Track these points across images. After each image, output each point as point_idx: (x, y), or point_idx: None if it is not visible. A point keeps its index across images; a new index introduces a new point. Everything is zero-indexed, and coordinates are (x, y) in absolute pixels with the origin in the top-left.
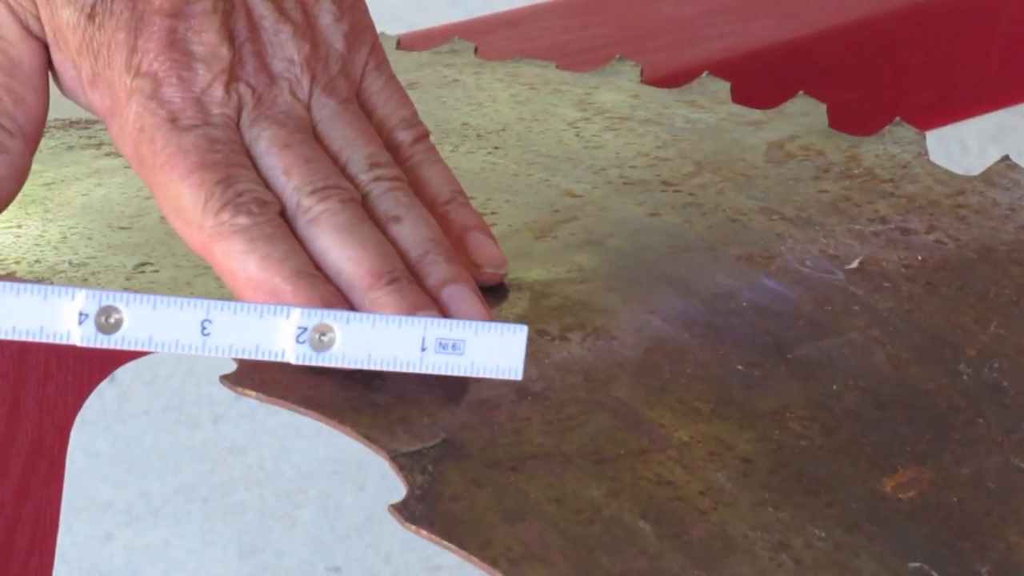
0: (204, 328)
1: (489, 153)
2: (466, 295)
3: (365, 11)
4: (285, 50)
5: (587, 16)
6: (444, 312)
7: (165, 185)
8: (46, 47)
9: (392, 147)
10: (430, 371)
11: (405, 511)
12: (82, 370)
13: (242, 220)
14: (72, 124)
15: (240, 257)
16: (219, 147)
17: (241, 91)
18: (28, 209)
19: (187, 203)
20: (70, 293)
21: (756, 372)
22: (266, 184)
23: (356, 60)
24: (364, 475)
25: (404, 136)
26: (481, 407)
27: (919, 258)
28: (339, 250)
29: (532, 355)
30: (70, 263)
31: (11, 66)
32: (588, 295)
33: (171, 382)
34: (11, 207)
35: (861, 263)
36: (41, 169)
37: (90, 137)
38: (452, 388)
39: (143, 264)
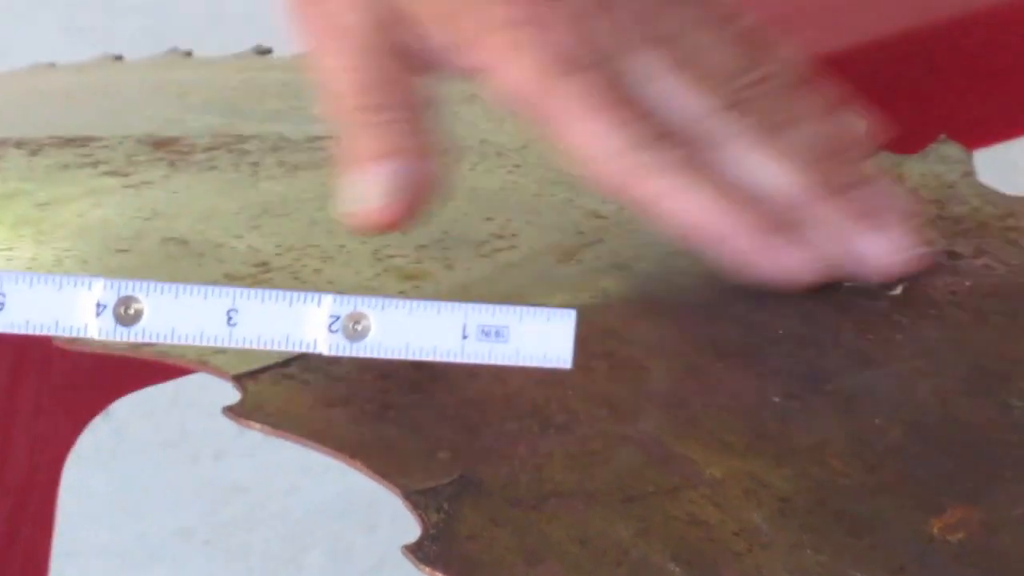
0: (230, 318)
1: (509, 172)
2: (889, 191)
3: None
4: None
5: None
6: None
7: (568, 131)
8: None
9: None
10: (472, 360)
11: (419, 552)
12: (76, 403)
13: (666, 154)
14: (68, 142)
15: (678, 192)
16: (614, 82)
17: (618, 17)
18: (20, 231)
19: (602, 145)
20: (87, 283)
21: (793, 404)
22: (666, 112)
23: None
24: (376, 515)
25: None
26: (500, 440)
27: (967, 284)
28: (764, 168)
29: (555, 385)
30: None
31: None
32: (615, 322)
33: (170, 416)
34: (1, 229)
35: (905, 289)
36: (34, 189)
37: (87, 155)
38: (470, 420)
39: None
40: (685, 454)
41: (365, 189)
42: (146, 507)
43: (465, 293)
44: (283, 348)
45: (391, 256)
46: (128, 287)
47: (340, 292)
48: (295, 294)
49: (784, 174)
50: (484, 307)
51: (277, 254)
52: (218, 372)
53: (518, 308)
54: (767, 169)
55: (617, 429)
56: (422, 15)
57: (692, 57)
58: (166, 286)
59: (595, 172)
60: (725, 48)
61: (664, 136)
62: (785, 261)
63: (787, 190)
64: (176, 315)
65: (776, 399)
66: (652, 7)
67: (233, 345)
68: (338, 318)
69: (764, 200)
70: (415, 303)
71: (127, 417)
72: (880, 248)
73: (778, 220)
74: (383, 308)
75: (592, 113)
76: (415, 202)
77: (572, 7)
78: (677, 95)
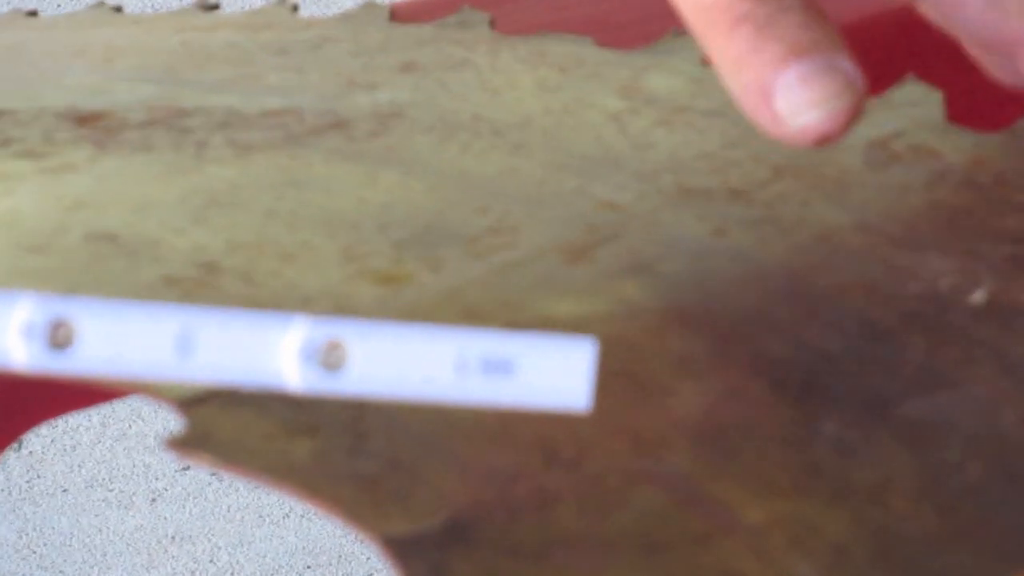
0: (182, 345)
1: (508, 154)
2: None
3: None
4: None
5: None
6: None
7: None
8: None
9: None
10: (470, 399)
11: None
12: None
13: None
14: None
15: None
16: None
17: None
18: None
19: None
20: (10, 299)
21: (851, 435)
22: None
23: None
24: (347, 570)
25: None
26: (497, 478)
27: None
28: None
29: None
30: None
31: None
32: (635, 335)
33: (96, 450)
34: None
35: (988, 296)
36: None
37: None
38: (460, 453)
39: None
40: (720, 495)
41: (793, 97)
42: (67, 560)
43: (454, 300)
44: (245, 382)
45: (365, 255)
46: (61, 305)
47: (304, 297)
48: (260, 318)
49: None
50: (486, 334)
51: (227, 253)
52: (158, 396)
53: (527, 336)
54: None
55: (638, 464)
56: None
57: None
58: (108, 304)
59: None
60: None
61: None
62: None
63: None
64: (119, 340)
65: (830, 428)
66: None
67: (185, 377)
68: (312, 346)
69: None
70: (403, 328)
71: (44, 452)
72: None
73: None
74: (364, 336)
75: None
76: (856, 104)
77: None
78: None
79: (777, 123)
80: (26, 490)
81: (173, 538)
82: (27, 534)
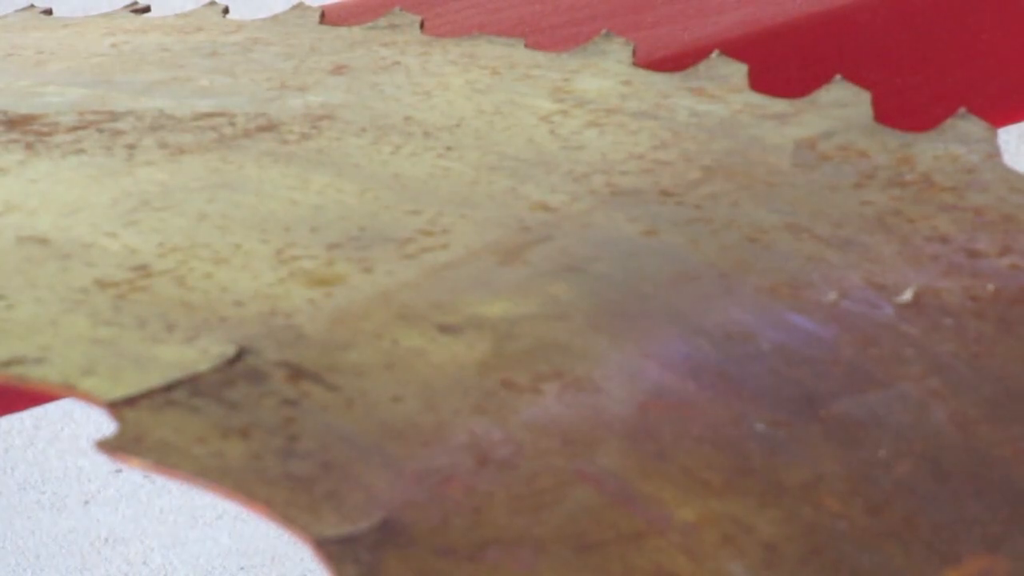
0: None
1: (440, 156)
2: None
3: None
4: None
5: None
6: None
7: None
8: None
9: None
10: None
11: None
12: None
13: None
14: None
15: None
16: None
17: None
18: None
19: None
20: None
21: (781, 433)
22: None
23: None
24: (281, 570)
25: None
26: (430, 478)
27: (990, 288)
28: None
29: (496, 412)
30: None
31: None
32: (567, 336)
33: (28, 453)
34: None
35: (915, 294)
36: None
37: None
38: (394, 454)
39: None
40: (652, 494)
41: None
42: None
43: (387, 302)
44: None
45: (297, 257)
46: None
47: (237, 300)
48: None
49: None
50: None
51: (159, 255)
52: (89, 398)
53: None
54: None
55: (570, 464)
56: None
57: None
58: None
59: None
60: None
61: None
62: None
63: None
64: None
65: (760, 427)
66: None
67: None
68: None
69: None
70: None
71: None
72: None
73: None
74: None
75: None
76: None
77: None
78: None
79: None
80: None
81: (106, 540)
82: None
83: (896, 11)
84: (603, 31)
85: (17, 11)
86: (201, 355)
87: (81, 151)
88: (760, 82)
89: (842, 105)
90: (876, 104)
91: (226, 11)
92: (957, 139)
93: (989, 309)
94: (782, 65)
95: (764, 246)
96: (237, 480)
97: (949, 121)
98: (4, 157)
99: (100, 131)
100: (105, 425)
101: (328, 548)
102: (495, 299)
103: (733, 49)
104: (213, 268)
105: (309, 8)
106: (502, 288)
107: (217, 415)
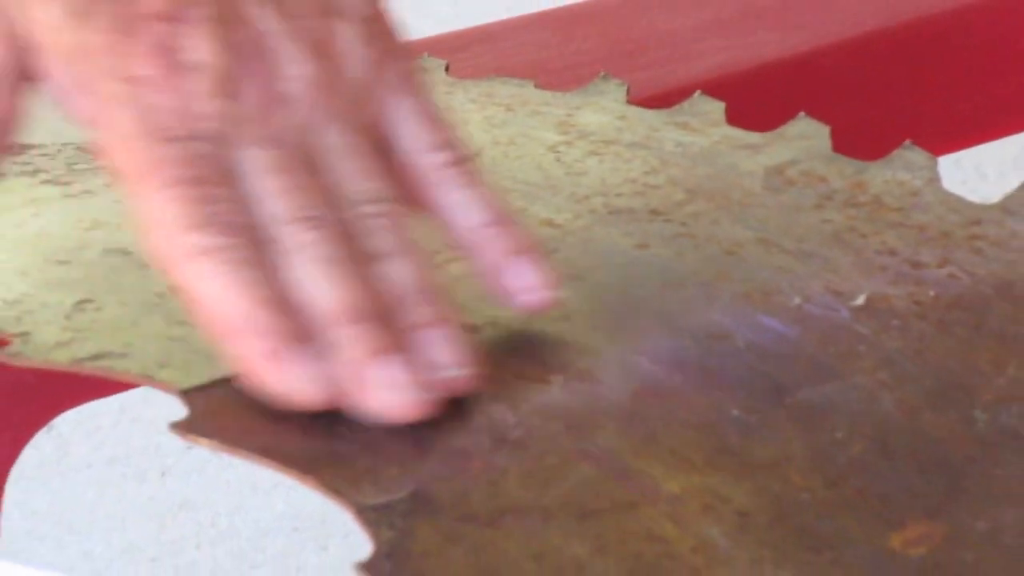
0: None
1: None
2: (443, 339)
3: (397, 34)
4: (290, 69)
5: (569, 30)
6: (416, 358)
7: (141, 198)
8: (24, 51)
9: (418, 175)
10: None
11: (372, 570)
12: (18, 418)
13: (213, 241)
14: None
15: (206, 279)
16: (201, 163)
17: (234, 106)
18: None
19: (159, 218)
20: None
21: (753, 419)
22: (246, 207)
23: (379, 86)
24: (327, 532)
25: (431, 159)
26: (454, 457)
27: (931, 294)
28: (313, 283)
29: (510, 399)
30: (3, 301)
31: None
32: (570, 334)
33: (115, 432)
34: None
35: (867, 299)
36: None
37: (25, 163)
38: (422, 437)
39: (84, 302)
40: (643, 469)
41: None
42: (92, 525)
43: None
44: None
45: None
46: None
47: None
48: None
49: (330, 293)
50: None
51: None
52: (164, 387)
53: None
54: (317, 285)
55: (573, 444)
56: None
57: (306, 168)
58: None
59: (148, 242)
60: (350, 173)
61: (231, 227)
62: (287, 373)
63: (326, 307)
64: None
65: (736, 413)
66: (294, 106)
67: None
68: None
69: (301, 313)
70: None
71: (71, 433)
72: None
73: (303, 334)
74: None
75: (166, 182)
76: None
77: (212, 76)
78: (269, 196)
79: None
80: (56, 466)
81: (181, 506)
82: (57, 504)
83: (852, 57)
84: (601, 74)
85: None
86: None
87: None
88: (736, 117)
89: (805, 137)
90: (834, 136)
91: None
92: (903, 167)
93: (930, 312)
94: (754, 103)
95: (739, 258)
96: (290, 458)
97: (896, 151)
98: (92, 181)
99: None
100: (178, 409)
101: (367, 514)
102: (507, 303)
103: (713, 89)
104: None
105: None
106: None
107: (272, 402)
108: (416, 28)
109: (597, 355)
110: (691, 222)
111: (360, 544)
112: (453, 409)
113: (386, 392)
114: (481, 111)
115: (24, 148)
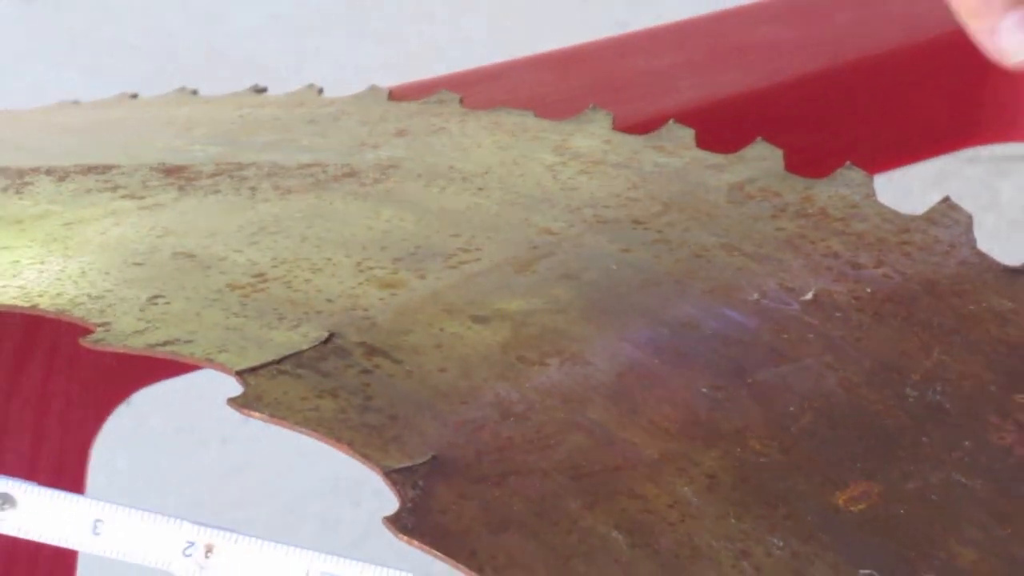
0: (96, 528)
1: (473, 194)
2: None
3: None
4: None
5: (563, 70)
6: None
7: None
8: None
9: None
10: None
11: (398, 523)
12: (102, 394)
13: None
14: (90, 169)
15: None
16: None
17: None
18: (50, 247)
19: None
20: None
21: (720, 395)
22: None
23: None
24: (360, 491)
25: None
26: (467, 427)
27: (868, 290)
28: None
29: (514, 379)
30: (89, 296)
31: None
32: (565, 324)
33: (183, 406)
34: (34, 245)
35: (815, 295)
36: (62, 210)
37: (106, 181)
38: (441, 410)
39: (156, 296)
40: (627, 438)
41: (1011, 37)
42: (162, 484)
43: (436, 300)
44: (142, 563)
45: (372, 268)
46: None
47: (327, 298)
48: (159, 516)
49: None
50: (329, 557)
51: (273, 266)
52: (223, 368)
53: (360, 564)
54: None
55: (568, 417)
56: None
57: None
58: (40, 490)
59: None
60: None
61: None
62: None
63: None
64: (44, 520)
65: (705, 390)
66: None
67: (95, 552)
68: (192, 544)
69: None
70: (266, 543)
71: (147, 407)
72: None
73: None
74: (236, 541)
75: None
76: None
77: None
78: None
79: (1002, 56)
80: (133, 434)
81: (239, 469)
82: (134, 465)
83: (801, 93)
84: (591, 106)
85: (173, 91)
86: (302, 338)
87: (217, 191)
88: (704, 142)
89: (762, 159)
90: (787, 158)
91: (321, 91)
92: (844, 183)
93: (867, 306)
94: (720, 130)
95: (707, 260)
96: (328, 428)
97: (838, 171)
98: (163, 195)
99: (231, 177)
100: (234, 387)
101: (393, 476)
102: (513, 298)
103: (685, 118)
104: (311, 275)
105: (380, 88)
106: (518, 290)
107: (314, 381)
108: (434, 69)
109: (588, 341)
110: (666, 230)
111: (388, 501)
112: (466, 387)
113: None
114: (490, 136)
115: (107, 168)
